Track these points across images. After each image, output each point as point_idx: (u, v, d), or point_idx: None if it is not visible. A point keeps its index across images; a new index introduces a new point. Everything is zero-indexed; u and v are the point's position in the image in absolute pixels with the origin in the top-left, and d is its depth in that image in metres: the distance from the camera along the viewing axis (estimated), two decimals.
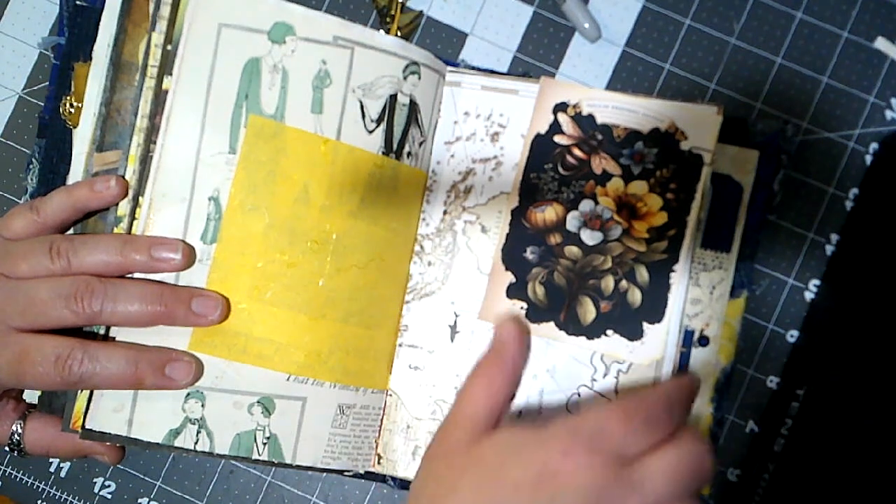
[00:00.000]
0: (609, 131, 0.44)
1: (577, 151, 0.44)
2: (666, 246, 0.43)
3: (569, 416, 0.37)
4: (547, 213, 0.44)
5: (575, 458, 0.35)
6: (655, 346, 0.43)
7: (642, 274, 0.43)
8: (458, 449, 0.37)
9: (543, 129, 0.45)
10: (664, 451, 0.36)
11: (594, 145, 0.44)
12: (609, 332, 0.43)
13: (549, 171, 0.44)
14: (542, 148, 0.45)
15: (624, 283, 0.43)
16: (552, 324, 0.44)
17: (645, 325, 0.43)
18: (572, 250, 0.44)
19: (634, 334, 0.43)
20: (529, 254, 0.44)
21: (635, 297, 0.43)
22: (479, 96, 0.46)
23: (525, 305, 0.44)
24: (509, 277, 0.44)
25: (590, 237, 0.44)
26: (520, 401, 0.44)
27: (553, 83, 0.45)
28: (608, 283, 0.43)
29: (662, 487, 0.35)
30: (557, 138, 0.44)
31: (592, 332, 0.44)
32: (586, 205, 0.44)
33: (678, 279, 0.43)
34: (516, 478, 0.34)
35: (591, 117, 0.44)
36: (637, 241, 0.43)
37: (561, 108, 0.45)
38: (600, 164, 0.44)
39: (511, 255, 0.45)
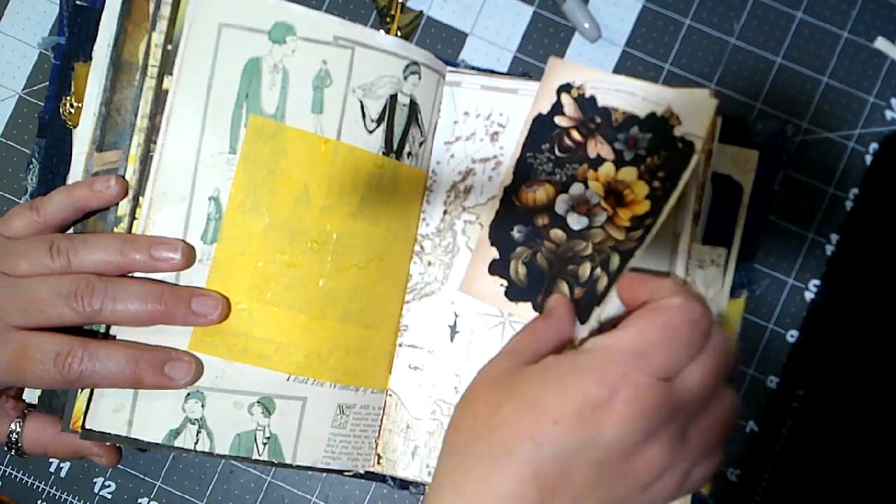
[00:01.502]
0: (608, 115, 0.44)
1: (574, 134, 0.44)
2: (640, 234, 0.41)
3: (604, 337, 0.35)
4: (538, 194, 0.44)
5: (624, 389, 0.33)
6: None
7: (614, 262, 0.42)
8: (496, 379, 0.36)
9: (546, 109, 0.45)
10: (698, 359, 0.35)
11: (592, 128, 0.44)
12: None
13: (545, 151, 0.44)
14: (541, 128, 0.45)
15: (598, 270, 0.42)
16: (529, 304, 0.44)
17: (596, 310, 0.41)
18: (557, 234, 0.44)
19: (584, 320, 0.41)
20: (516, 232, 0.44)
21: (601, 284, 0.42)
22: (479, 96, 0.46)
23: (505, 283, 0.44)
24: (493, 253, 0.44)
25: (576, 221, 0.43)
26: None
27: (560, 63, 0.45)
28: (585, 269, 0.43)
29: (702, 392, 0.35)
30: (558, 119, 0.44)
31: None
32: (577, 188, 0.44)
33: (636, 263, 0.40)
34: (556, 411, 0.33)
35: (592, 99, 0.44)
36: (618, 228, 0.42)
37: (565, 88, 0.45)
38: (595, 147, 0.44)
39: (498, 232, 0.45)
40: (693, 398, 0.35)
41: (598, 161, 0.43)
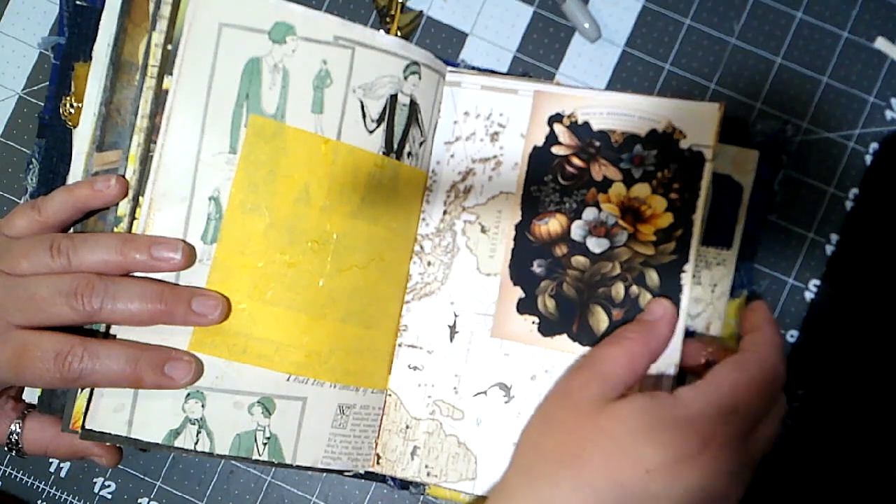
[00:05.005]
0: (606, 137, 0.44)
1: (575, 160, 0.44)
2: (674, 247, 0.42)
3: (699, 387, 0.37)
4: (551, 225, 0.44)
5: (713, 444, 0.35)
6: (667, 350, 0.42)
7: (652, 277, 0.42)
8: (586, 409, 0.37)
9: (540, 141, 0.45)
10: (773, 412, 0.38)
11: (592, 153, 0.44)
12: None
13: (549, 182, 0.44)
14: (540, 160, 0.44)
15: (634, 288, 0.42)
16: (565, 336, 0.43)
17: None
18: (579, 260, 0.43)
19: None
20: (536, 267, 0.44)
21: (647, 301, 0.42)
22: (479, 96, 0.46)
23: (537, 320, 0.44)
24: (518, 293, 0.44)
25: (596, 245, 0.43)
26: (520, 404, 0.43)
27: (546, 95, 0.45)
28: (618, 289, 0.43)
29: (772, 440, 0.38)
30: (555, 149, 0.44)
31: None
32: (590, 213, 0.43)
33: (689, 279, 0.42)
34: (649, 460, 0.35)
35: (586, 125, 0.44)
36: (644, 244, 0.42)
37: (556, 118, 0.44)
38: (600, 170, 0.43)
39: (518, 270, 0.44)
40: (763, 449, 0.37)
41: (607, 183, 0.43)
